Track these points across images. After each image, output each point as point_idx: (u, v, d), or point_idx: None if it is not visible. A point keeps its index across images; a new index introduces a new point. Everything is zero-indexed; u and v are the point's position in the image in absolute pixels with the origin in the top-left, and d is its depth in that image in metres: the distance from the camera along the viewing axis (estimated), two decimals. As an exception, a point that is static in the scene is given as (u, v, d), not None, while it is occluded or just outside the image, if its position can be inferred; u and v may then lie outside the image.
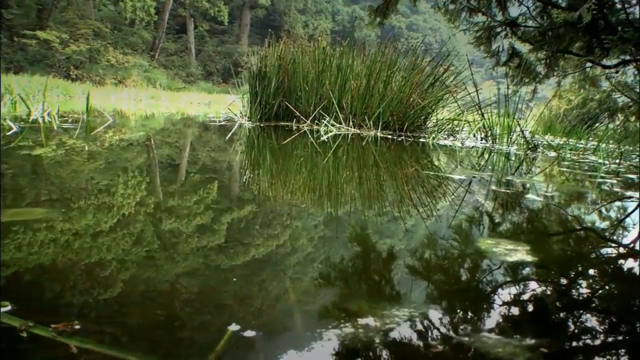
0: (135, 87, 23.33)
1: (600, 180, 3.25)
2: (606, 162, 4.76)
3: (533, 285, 1.08)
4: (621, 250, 1.47)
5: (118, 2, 29.75)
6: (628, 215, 2.04)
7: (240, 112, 7.22)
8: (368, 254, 1.25)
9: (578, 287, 1.09)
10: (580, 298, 1.02)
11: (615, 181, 3.24)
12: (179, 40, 36.65)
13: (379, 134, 5.90)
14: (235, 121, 6.90)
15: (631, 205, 2.29)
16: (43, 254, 1.04)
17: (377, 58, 6.47)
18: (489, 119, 6.08)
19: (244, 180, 2.30)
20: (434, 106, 6.61)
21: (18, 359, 0.69)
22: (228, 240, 1.29)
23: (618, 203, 2.34)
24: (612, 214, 2.04)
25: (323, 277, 1.06)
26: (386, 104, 6.19)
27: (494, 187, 2.42)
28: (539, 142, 5.58)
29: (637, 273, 1.24)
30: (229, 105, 7.91)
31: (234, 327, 0.79)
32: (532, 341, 0.79)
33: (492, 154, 4.79)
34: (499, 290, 1.04)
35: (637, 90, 10.19)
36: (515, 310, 0.94)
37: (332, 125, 6.23)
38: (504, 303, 0.97)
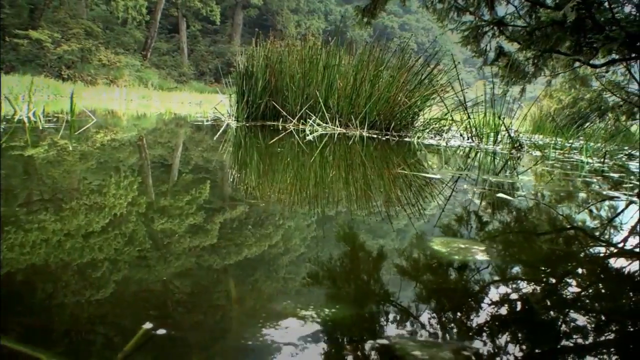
0: (127, 87, 23.27)
1: (580, 178, 3.25)
2: (589, 160, 4.76)
3: (466, 285, 1.06)
4: (585, 249, 1.46)
5: (110, 2, 29.69)
6: (597, 215, 2.03)
7: (228, 112, 7.19)
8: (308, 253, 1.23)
9: (520, 287, 1.07)
10: (526, 299, 1.01)
11: (595, 180, 3.23)
12: (172, 40, 36.61)
13: (364, 134, 5.88)
14: (222, 121, 6.86)
15: (604, 204, 2.29)
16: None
17: (364, 57, 6.47)
18: (475, 118, 6.08)
19: (225, 180, 2.28)
20: (421, 105, 6.61)
21: None
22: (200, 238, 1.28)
23: (592, 202, 2.33)
24: (579, 213, 2.02)
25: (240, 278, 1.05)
26: (373, 103, 6.18)
27: (465, 186, 2.40)
28: (525, 142, 5.58)
29: (591, 272, 1.23)
30: (215, 105, 7.87)
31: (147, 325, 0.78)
32: (455, 345, 0.78)
33: (477, 153, 4.79)
34: (428, 290, 1.02)
35: (628, 89, 10.21)
36: (442, 313, 0.92)
37: (318, 125, 6.22)
38: (430, 304, 0.95)
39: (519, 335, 0.84)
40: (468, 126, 6.05)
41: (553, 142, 6.50)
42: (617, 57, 7.21)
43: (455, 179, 2.62)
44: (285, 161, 3.01)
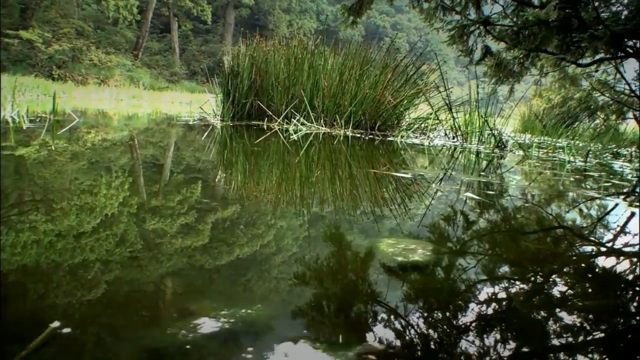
0: (117, 86, 23.20)
1: (556, 177, 3.24)
2: (571, 159, 4.76)
3: (393, 286, 1.05)
4: (530, 249, 1.45)
5: (100, 1, 29.57)
6: (558, 213, 2.02)
7: (213, 111, 7.18)
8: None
9: (459, 289, 1.06)
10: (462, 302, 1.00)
11: (572, 179, 3.23)
12: (163, 40, 36.47)
13: (349, 133, 5.87)
14: (208, 120, 6.84)
15: (568, 200, 2.28)
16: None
17: (349, 57, 6.47)
18: (459, 117, 6.09)
19: (205, 181, 2.26)
20: (407, 104, 6.61)
21: None
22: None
23: (557, 202, 2.32)
24: (532, 213, 2.02)
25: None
26: (358, 102, 6.17)
27: (434, 185, 2.39)
28: (509, 141, 5.58)
29: (541, 270, 1.22)
30: (202, 105, 7.86)
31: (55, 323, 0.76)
32: (359, 348, 0.76)
33: (460, 152, 4.78)
34: (362, 290, 1.01)
35: (617, 88, 10.23)
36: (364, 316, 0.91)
37: (302, 124, 6.21)
38: (349, 307, 0.94)
39: (441, 340, 0.83)
40: (453, 126, 6.06)
41: (539, 141, 6.52)
42: (603, 56, 7.22)
43: (428, 179, 2.61)
44: (263, 164, 3.00)
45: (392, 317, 0.89)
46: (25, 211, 1.40)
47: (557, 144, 6.49)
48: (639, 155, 6.14)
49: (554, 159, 4.82)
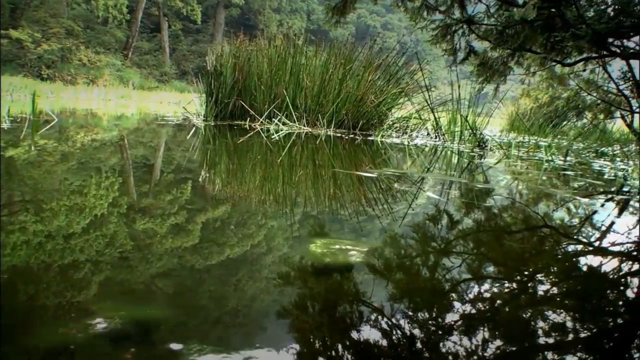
0: (106, 86, 23.13)
1: (530, 175, 3.24)
2: (550, 159, 4.76)
3: (313, 288, 1.03)
4: (472, 250, 1.44)
5: (90, 1, 29.47)
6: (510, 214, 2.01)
7: (196, 111, 7.15)
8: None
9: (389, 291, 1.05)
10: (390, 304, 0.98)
11: (545, 178, 3.23)
12: (153, 40, 36.36)
13: (331, 133, 5.86)
14: (191, 120, 6.81)
15: (527, 199, 2.27)
16: None
17: (331, 56, 6.46)
18: (444, 117, 6.09)
19: (181, 182, 2.24)
20: (392, 103, 6.61)
21: None
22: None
23: (518, 201, 2.31)
24: (483, 212, 2.00)
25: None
26: (340, 102, 6.16)
27: (396, 185, 2.36)
28: (488, 140, 5.57)
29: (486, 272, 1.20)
30: (185, 105, 7.83)
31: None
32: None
33: (438, 152, 4.77)
34: (283, 292, 0.99)
35: (605, 88, 10.24)
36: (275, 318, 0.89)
37: (284, 124, 6.19)
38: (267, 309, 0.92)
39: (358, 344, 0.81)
40: (434, 125, 6.06)
41: (523, 140, 6.52)
42: (586, 55, 7.22)
43: (394, 178, 2.59)
44: (236, 166, 2.98)
45: (292, 321, 0.87)
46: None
47: (540, 143, 6.50)
48: (622, 154, 6.14)
49: (534, 158, 4.81)
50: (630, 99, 8.54)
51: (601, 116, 11.01)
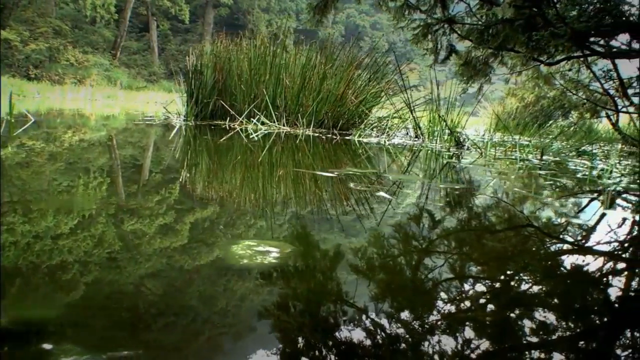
0: (93, 86, 23.05)
1: (494, 174, 3.24)
2: (525, 158, 4.77)
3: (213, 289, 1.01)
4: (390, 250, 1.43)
5: (77, 0, 29.38)
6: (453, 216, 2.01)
7: (177, 111, 7.14)
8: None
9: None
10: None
11: (513, 177, 3.23)
12: (142, 39, 36.28)
13: (310, 133, 5.85)
14: (171, 120, 6.79)
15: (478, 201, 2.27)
16: None
17: (311, 55, 6.46)
18: (423, 117, 6.10)
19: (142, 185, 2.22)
20: (373, 102, 6.62)
21: None
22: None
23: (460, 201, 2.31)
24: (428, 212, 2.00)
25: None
26: (320, 101, 6.16)
27: (352, 185, 2.34)
28: (466, 140, 5.58)
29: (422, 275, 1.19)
30: (166, 105, 7.81)
31: None
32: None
33: (412, 151, 4.78)
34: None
35: (591, 87, 10.27)
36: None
37: (263, 123, 6.18)
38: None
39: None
40: (414, 125, 6.08)
41: (503, 140, 6.54)
42: (568, 54, 7.23)
43: (355, 178, 2.58)
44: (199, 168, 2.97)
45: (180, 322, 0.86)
46: None
47: (523, 142, 6.51)
48: (602, 153, 6.17)
49: (511, 157, 4.82)
50: (616, 98, 8.56)
51: (587, 115, 11.05)
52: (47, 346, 0.73)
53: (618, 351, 0.89)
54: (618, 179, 3.41)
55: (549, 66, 8.36)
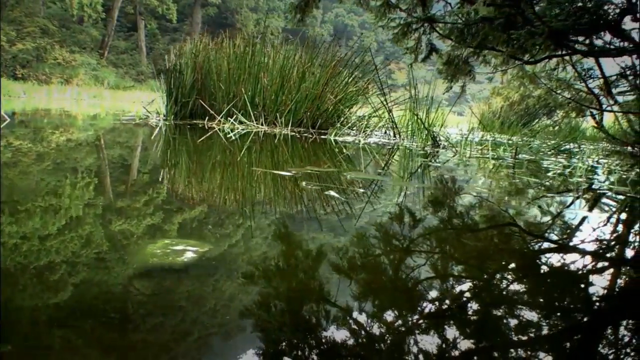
0: (80, 86, 22.95)
1: (461, 173, 3.25)
2: (497, 156, 4.79)
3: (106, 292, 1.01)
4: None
5: (64, -1, 29.27)
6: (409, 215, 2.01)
7: (157, 110, 7.12)
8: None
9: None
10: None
11: (479, 175, 3.24)
12: (130, 39, 36.17)
13: (288, 132, 5.85)
14: (149, 119, 6.76)
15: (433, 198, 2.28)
16: None
17: (290, 55, 6.46)
18: (403, 115, 6.13)
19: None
20: (352, 100, 6.63)
21: None
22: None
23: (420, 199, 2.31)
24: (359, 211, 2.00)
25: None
26: (299, 101, 6.16)
27: (304, 184, 2.33)
28: (441, 139, 5.60)
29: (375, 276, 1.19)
30: (146, 104, 7.78)
31: None
32: None
33: (388, 150, 4.79)
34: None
35: (576, 85, 10.30)
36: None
37: (240, 123, 6.17)
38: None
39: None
40: (392, 124, 6.09)
41: (483, 139, 6.57)
42: (549, 53, 7.25)
43: (310, 177, 2.57)
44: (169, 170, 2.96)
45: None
46: None
47: (501, 141, 6.54)
48: (580, 152, 6.21)
49: (486, 156, 4.84)
50: (601, 97, 8.59)
51: (572, 114, 11.08)
52: None
53: (599, 348, 0.90)
54: (593, 178, 3.44)
55: (531, 65, 8.37)
